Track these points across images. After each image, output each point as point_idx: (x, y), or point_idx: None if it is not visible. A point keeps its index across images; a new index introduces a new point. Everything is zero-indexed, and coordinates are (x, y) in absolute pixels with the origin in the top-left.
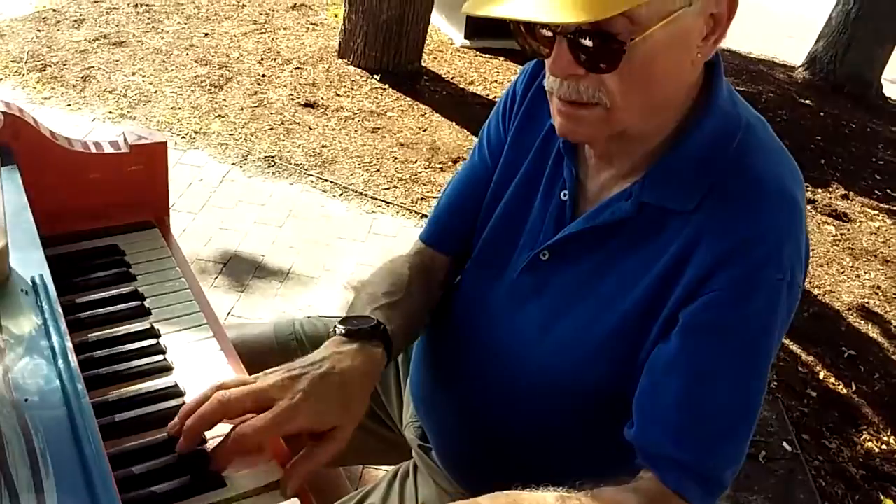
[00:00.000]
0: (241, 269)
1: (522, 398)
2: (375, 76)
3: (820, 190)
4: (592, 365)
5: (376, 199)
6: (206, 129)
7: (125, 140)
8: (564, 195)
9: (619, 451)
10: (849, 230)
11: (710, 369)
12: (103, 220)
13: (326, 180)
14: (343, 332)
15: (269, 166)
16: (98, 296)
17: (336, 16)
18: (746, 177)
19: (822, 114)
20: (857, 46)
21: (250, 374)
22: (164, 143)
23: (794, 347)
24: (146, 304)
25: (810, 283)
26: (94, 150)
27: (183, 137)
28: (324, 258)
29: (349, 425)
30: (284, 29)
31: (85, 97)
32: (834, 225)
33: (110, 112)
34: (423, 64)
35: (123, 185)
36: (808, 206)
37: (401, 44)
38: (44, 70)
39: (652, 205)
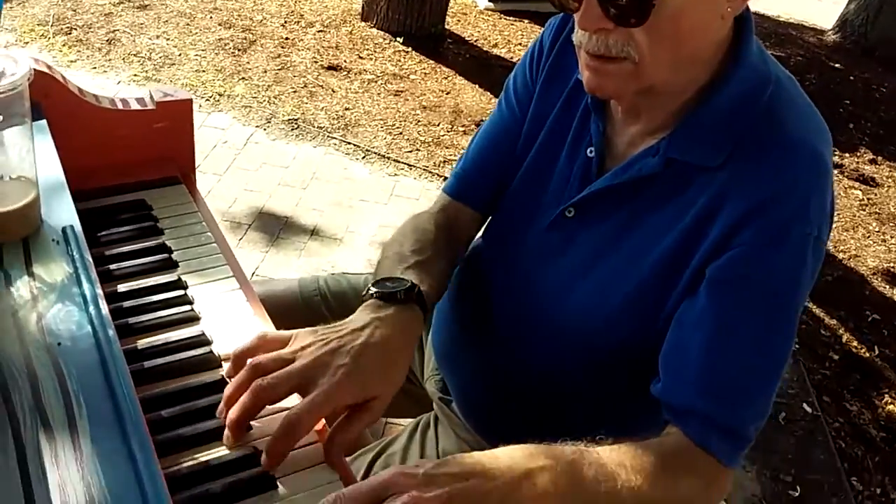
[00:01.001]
0: (267, 229)
1: (546, 353)
2: (398, 39)
3: (848, 154)
4: (617, 320)
5: (399, 161)
6: (229, 91)
7: (151, 97)
8: (591, 152)
9: (644, 408)
10: (876, 195)
11: (736, 324)
12: (130, 175)
13: (349, 143)
14: (379, 295)
15: (292, 129)
16: (126, 248)
17: None
18: (774, 133)
19: (851, 78)
20: (889, 9)
21: (276, 328)
22: (190, 101)
23: (818, 311)
24: (174, 256)
25: (835, 247)
26: (121, 107)
27: (207, 100)
28: (347, 219)
29: (388, 396)
30: None
31: (110, 60)
32: (861, 189)
33: (135, 75)
34: (446, 27)
35: (150, 141)
36: (836, 171)
37: (424, 6)
38: (69, 33)
39: (679, 160)
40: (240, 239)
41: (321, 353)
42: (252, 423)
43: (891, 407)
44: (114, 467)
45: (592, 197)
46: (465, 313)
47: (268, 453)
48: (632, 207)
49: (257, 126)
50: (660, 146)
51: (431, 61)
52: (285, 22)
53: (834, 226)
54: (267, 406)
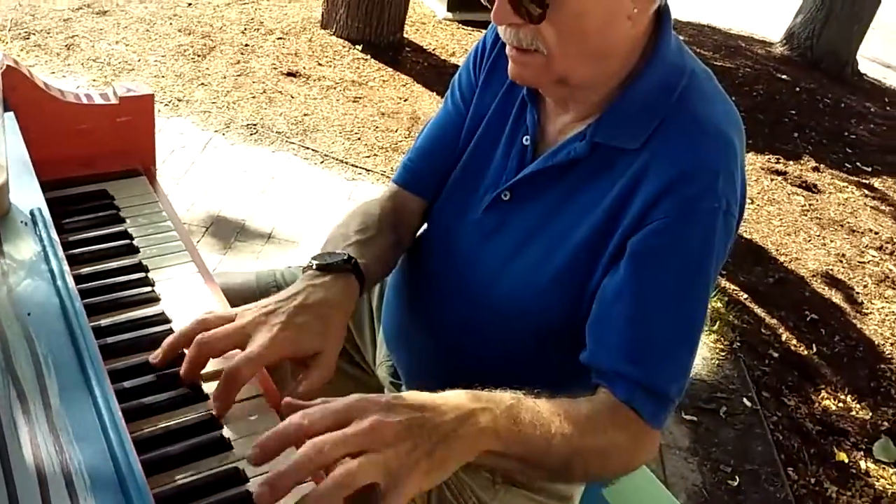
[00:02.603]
0: (225, 232)
1: (487, 330)
2: (357, 47)
3: (792, 162)
4: (549, 295)
5: (357, 166)
6: (189, 96)
7: (115, 92)
8: (526, 140)
9: (580, 376)
10: (818, 201)
11: (653, 292)
12: (93, 167)
13: (308, 148)
14: (315, 265)
15: (251, 134)
16: (88, 235)
17: None
18: (686, 118)
19: (797, 89)
20: (834, 23)
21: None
22: (152, 95)
23: (759, 310)
24: (134, 243)
25: (777, 250)
26: (85, 101)
27: (166, 105)
28: (304, 223)
29: (331, 350)
30: (267, 0)
31: (69, 65)
32: (803, 196)
33: (94, 80)
34: (405, 36)
35: (113, 134)
36: (780, 178)
37: (382, 15)
38: (27, 38)
39: (604, 145)
40: (196, 242)
41: (259, 314)
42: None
43: (826, 402)
44: (81, 420)
45: (526, 179)
46: (412, 298)
47: (214, 403)
48: (562, 189)
49: (216, 131)
50: (586, 132)
51: (390, 69)
52: (245, 29)
53: (776, 230)
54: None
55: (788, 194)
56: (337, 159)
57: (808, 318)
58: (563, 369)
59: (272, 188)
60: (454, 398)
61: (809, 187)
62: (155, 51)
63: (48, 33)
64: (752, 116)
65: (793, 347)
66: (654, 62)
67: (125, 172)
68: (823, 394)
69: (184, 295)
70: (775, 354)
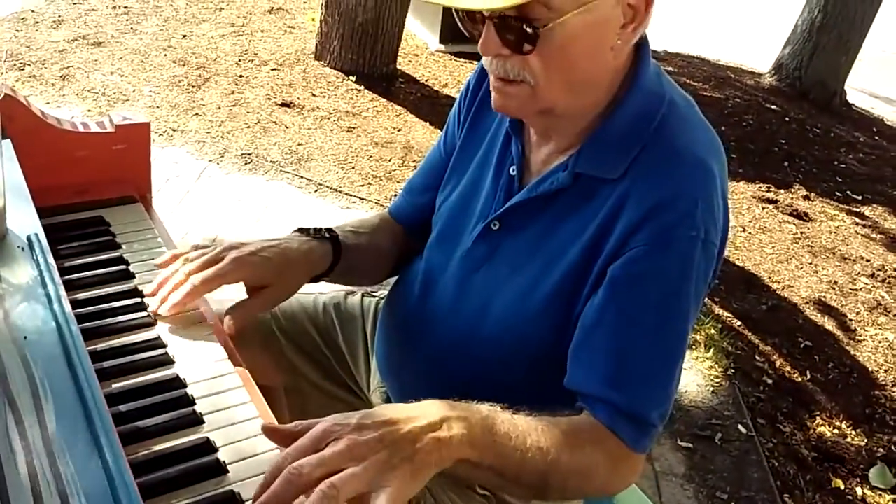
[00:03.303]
0: None
1: (478, 357)
2: (351, 77)
3: (783, 191)
4: (538, 322)
5: (351, 195)
6: (183, 126)
7: (111, 120)
8: (513, 170)
9: (571, 401)
10: (809, 229)
11: (633, 316)
12: (90, 194)
13: (302, 177)
14: (297, 230)
15: (245, 163)
16: (84, 260)
17: (313, 20)
18: (665, 147)
19: (787, 119)
20: (822, 54)
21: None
22: (148, 124)
23: (753, 337)
24: (130, 268)
25: (770, 277)
26: (81, 129)
27: (161, 135)
28: None
29: (281, 290)
30: (262, 32)
31: (64, 95)
32: (794, 224)
33: (89, 110)
34: (398, 67)
35: (109, 162)
36: (771, 206)
37: (376, 46)
38: (23, 69)
39: (585, 175)
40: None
41: (237, 243)
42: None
43: (821, 429)
44: (78, 444)
45: (512, 209)
46: (404, 324)
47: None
48: (547, 218)
49: (210, 160)
50: (568, 162)
51: (384, 99)
52: (240, 60)
53: (768, 258)
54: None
55: (780, 222)
56: (331, 188)
57: (801, 345)
58: (554, 395)
59: (266, 217)
60: (428, 407)
61: (800, 215)
62: (150, 81)
63: (43, 64)
64: (742, 146)
65: (787, 374)
66: (633, 91)
67: (121, 199)
68: (818, 420)
69: (178, 319)
70: (770, 381)
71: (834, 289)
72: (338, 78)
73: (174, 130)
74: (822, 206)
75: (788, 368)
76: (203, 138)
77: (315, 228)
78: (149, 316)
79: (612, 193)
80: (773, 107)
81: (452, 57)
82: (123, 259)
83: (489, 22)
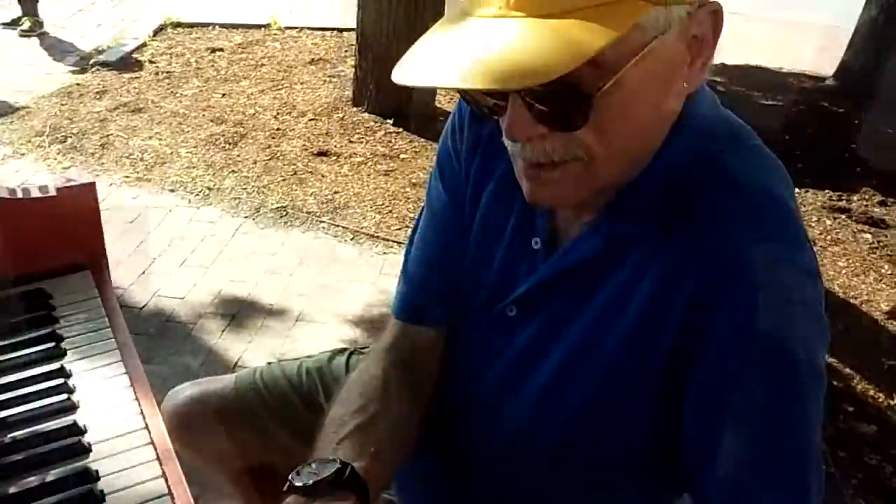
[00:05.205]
0: (251, 318)
1: (527, 470)
2: (389, 121)
3: (855, 198)
4: (586, 422)
5: (388, 240)
6: (219, 185)
7: (53, 184)
8: (536, 243)
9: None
10: (887, 237)
11: (757, 454)
12: (34, 265)
13: (338, 225)
14: (299, 485)
15: (281, 216)
16: (10, 341)
17: (353, 66)
18: (725, 186)
19: (855, 122)
20: (888, 52)
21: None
22: (93, 184)
23: (829, 360)
24: (63, 345)
25: (845, 293)
26: (20, 195)
27: (197, 195)
28: (334, 302)
29: None
30: (301, 83)
31: (103, 164)
32: (870, 233)
33: (126, 176)
34: (437, 105)
35: (54, 229)
36: (843, 216)
37: (413, 87)
38: (64, 141)
39: (618, 235)
40: (223, 330)
41: None
42: None
43: None
44: None
45: (536, 289)
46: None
47: None
48: (570, 293)
49: (246, 217)
50: (599, 225)
51: (422, 140)
52: (277, 114)
53: (843, 271)
54: None
55: (854, 232)
56: (368, 234)
57: (885, 366)
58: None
59: (301, 270)
60: None
61: (877, 223)
62: (187, 142)
63: (84, 135)
64: (808, 155)
65: (871, 399)
66: (683, 128)
67: (72, 267)
68: None
69: (105, 399)
70: (850, 408)
71: None
72: (376, 122)
73: (210, 189)
74: None
75: (872, 393)
76: (239, 195)
77: (319, 478)
78: (68, 399)
79: (654, 251)
80: (840, 111)
81: None
82: (56, 335)
83: (514, 96)
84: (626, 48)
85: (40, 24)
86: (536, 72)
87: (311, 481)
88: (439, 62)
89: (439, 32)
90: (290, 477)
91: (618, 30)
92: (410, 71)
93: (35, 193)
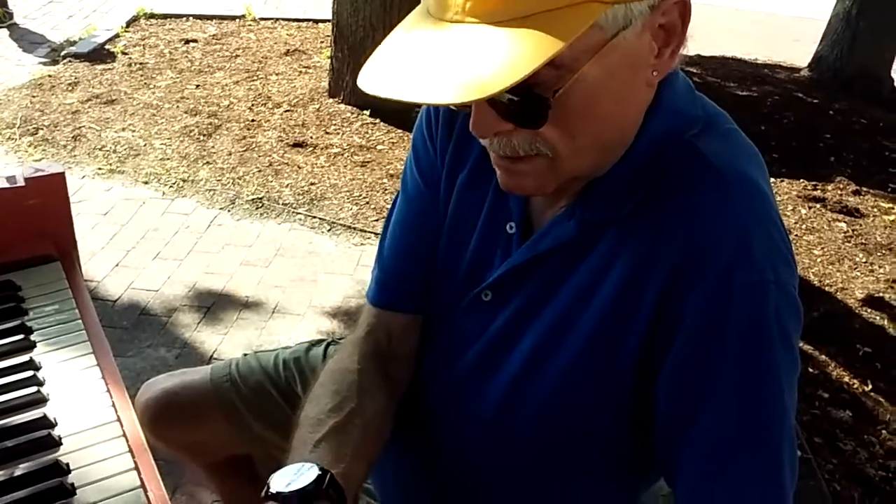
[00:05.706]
0: (227, 311)
1: (504, 463)
2: (365, 112)
3: (830, 187)
4: (559, 404)
5: (365, 231)
6: (193, 176)
7: (22, 174)
8: (511, 227)
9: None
10: (861, 225)
11: (721, 439)
12: (2, 255)
13: (314, 217)
14: (274, 493)
15: (256, 208)
16: None
17: (328, 57)
18: (696, 166)
19: (830, 112)
20: (862, 43)
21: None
22: (62, 174)
23: (805, 348)
24: (32, 337)
25: (821, 281)
26: None
27: (171, 187)
28: (310, 294)
29: None
30: (276, 74)
31: (75, 156)
32: (845, 221)
33: (99, 168)
34: None
35: (23, 219)
36: (818, 205)
37: None
38: (35, 133)
39: (592, 220)
40: (198, 323)
41: None
42: None
43: (890, 443)
44: None
45: (510, 273)
46: (403, 435)
47: None
48: (544, 277)
49: (221, 208)
50: (574, 208)
51: (399, 131)
52: (252, 105)
53: (818, 260)
54: None
55: (829, 221)
56: (345, 225)
57: (860, 352)
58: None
59: (277, 261)
60: None
61: (851, 212)
62: (161, 134)
63: (55, 127)
64: (783, 145)
65: (845, 385)
66: (656, 112)
67: (40, 258)
68: (884, 434)
69: (76, 392)
70: (825, 395)
71: (893, 287)
72: (352, 114)
73: (184, 181)
74: (875, 201)
75: (846, 379)
76: (213, 187)
77: (296, 487)
78: (38, 392)
79: (625, 234)
80: (815, 101)
81: None
82: (25, 327)
83: None
84: (584, 47)
85: (10, 16)
86: (490, 84)
87: (289, 489)
88: (399, 73)
89: (402, 33)
90: (268, 481)
91: (573, 34)
92: (373, 81)
93: (2, 184)
